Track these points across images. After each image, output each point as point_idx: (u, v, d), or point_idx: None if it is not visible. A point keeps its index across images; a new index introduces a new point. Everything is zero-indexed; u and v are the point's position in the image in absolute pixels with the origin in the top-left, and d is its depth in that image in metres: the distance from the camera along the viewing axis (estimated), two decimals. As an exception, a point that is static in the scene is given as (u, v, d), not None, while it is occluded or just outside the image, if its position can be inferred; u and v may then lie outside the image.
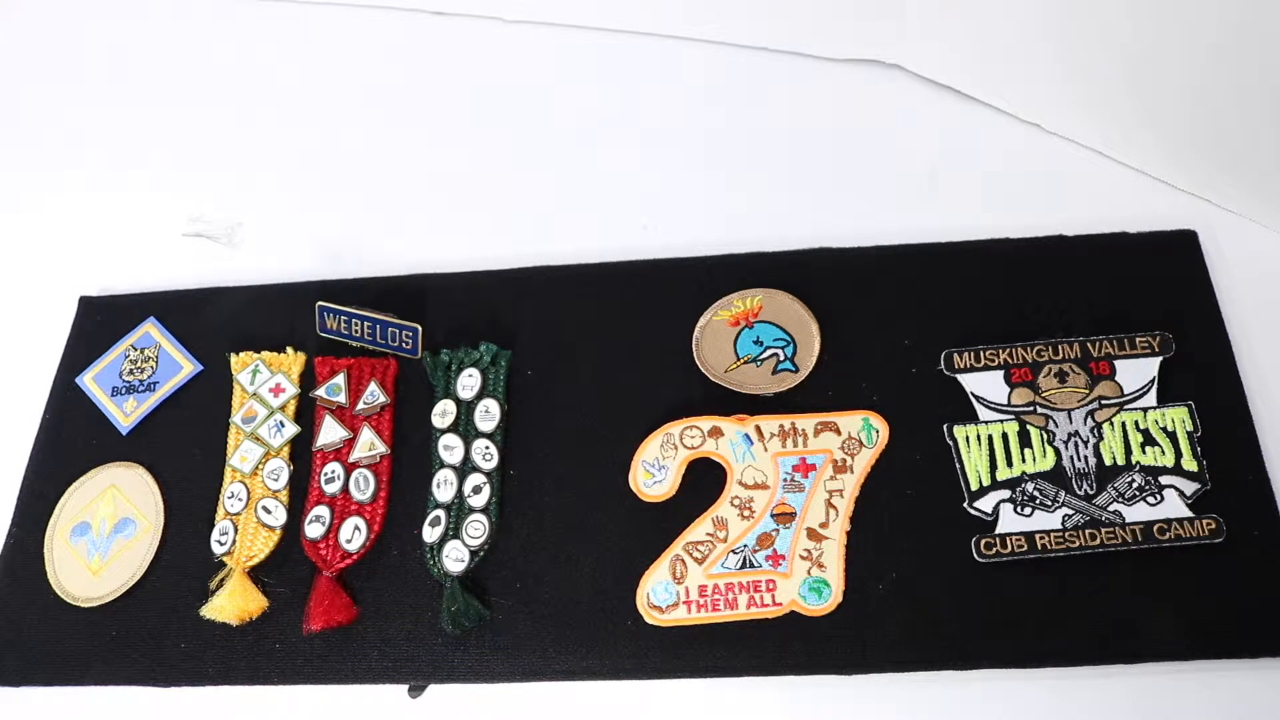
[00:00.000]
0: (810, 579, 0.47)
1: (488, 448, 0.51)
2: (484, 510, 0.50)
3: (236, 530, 0.51)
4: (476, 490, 0.50)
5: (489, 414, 0.52)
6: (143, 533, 0.52)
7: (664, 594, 0.47)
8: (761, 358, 0.52)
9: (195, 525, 0.52)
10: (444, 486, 0.51)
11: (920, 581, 0.47)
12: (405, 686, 0.48)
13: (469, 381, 0.53)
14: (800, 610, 0.46)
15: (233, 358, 0.55)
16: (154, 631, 0.49)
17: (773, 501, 0.49)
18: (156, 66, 0.72)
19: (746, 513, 0.49)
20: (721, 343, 0.53)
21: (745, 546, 0.48)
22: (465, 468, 0.51)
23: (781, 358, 0.52)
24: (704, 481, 0.50)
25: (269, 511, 0.51)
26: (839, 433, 0.50)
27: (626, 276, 0.56)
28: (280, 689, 0.48)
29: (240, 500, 0.51)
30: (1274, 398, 0.50)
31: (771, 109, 0.64)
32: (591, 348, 0.54)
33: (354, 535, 0.50)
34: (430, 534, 0.50)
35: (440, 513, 0.50)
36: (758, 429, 0.50)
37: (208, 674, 0.48)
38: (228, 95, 0.70)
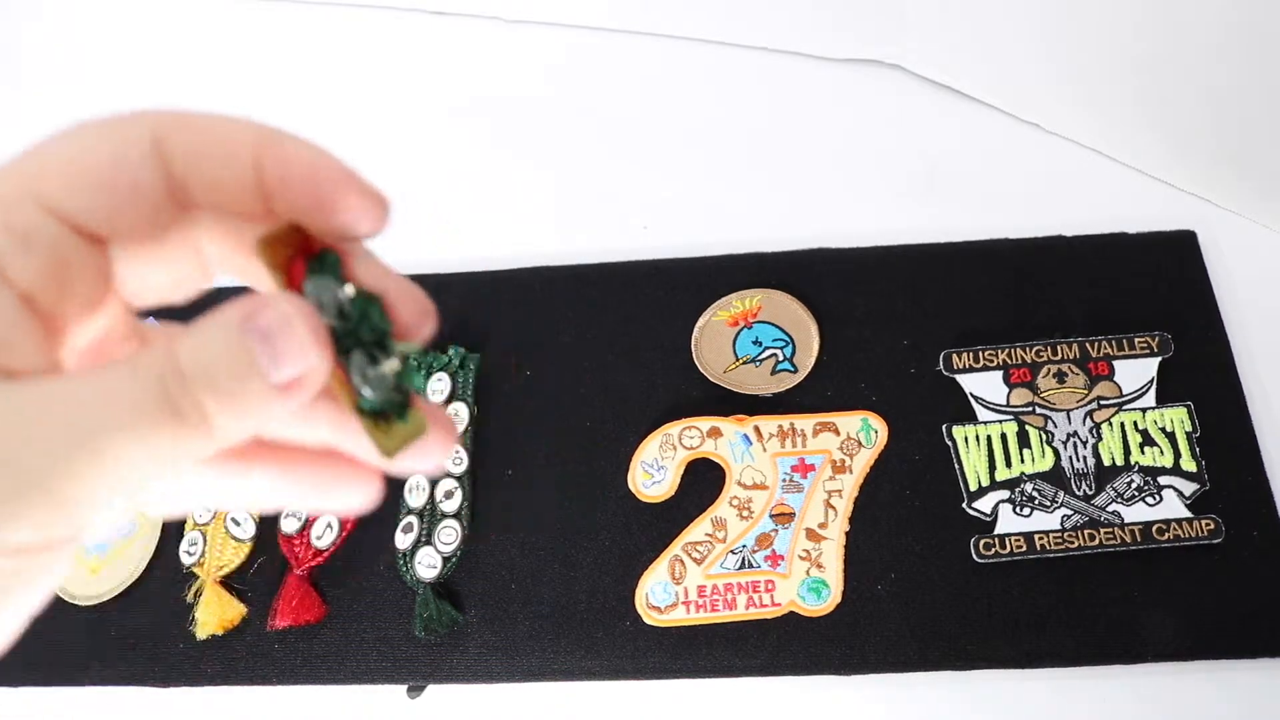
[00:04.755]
0: (809, 579, 0.47)
1: (457, 451, 0.51)
2: (455, 515, 0.50)
3: (205, 541, 0.51)
4: (448, 495, 0.51)
5: (458, 417, 0.52)
6: (142, 532, 0.52)
7: (663, 594, 0.47)
8: (760, 358, 0.52)
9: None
10: (415, 492, 0.51)
11: (919, 582, 0.47)
12: (404, 687, 0.48)
13: (438, 386, 0.53)
14: (799, 611, 0.46)
15: None
16: (153, 631, 0.49)
17: (771, 502, 0.49)
18: (156, 65, 0.72)
19: (745, 513, 0.49)
20: (720, 343, 0.53)
21: (744, 547, 0.48)
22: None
23: (780, 358, 0.52)
24: (703, 482, 0.50)
25: (238, 524, 0.51)
26: (838, 433, 0.50)
27: (626, 277, 0.56)
28: (279, 689, 0.48)
29: (209, 511, 0.51)
30: (1273, 398, 0.50)
31: (771, 109, 0.64)
32: (590, 348, 0.54)
33: (325, 533, 0.50)
34: (403, 540, 0.50)
35: (413, 519, 0.50)
36: (756, 429, 0.50)
37: (207, 674, 0.48)
38: (228, 95, 0.70)
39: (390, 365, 0.20)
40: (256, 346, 0.18)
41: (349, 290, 0.20)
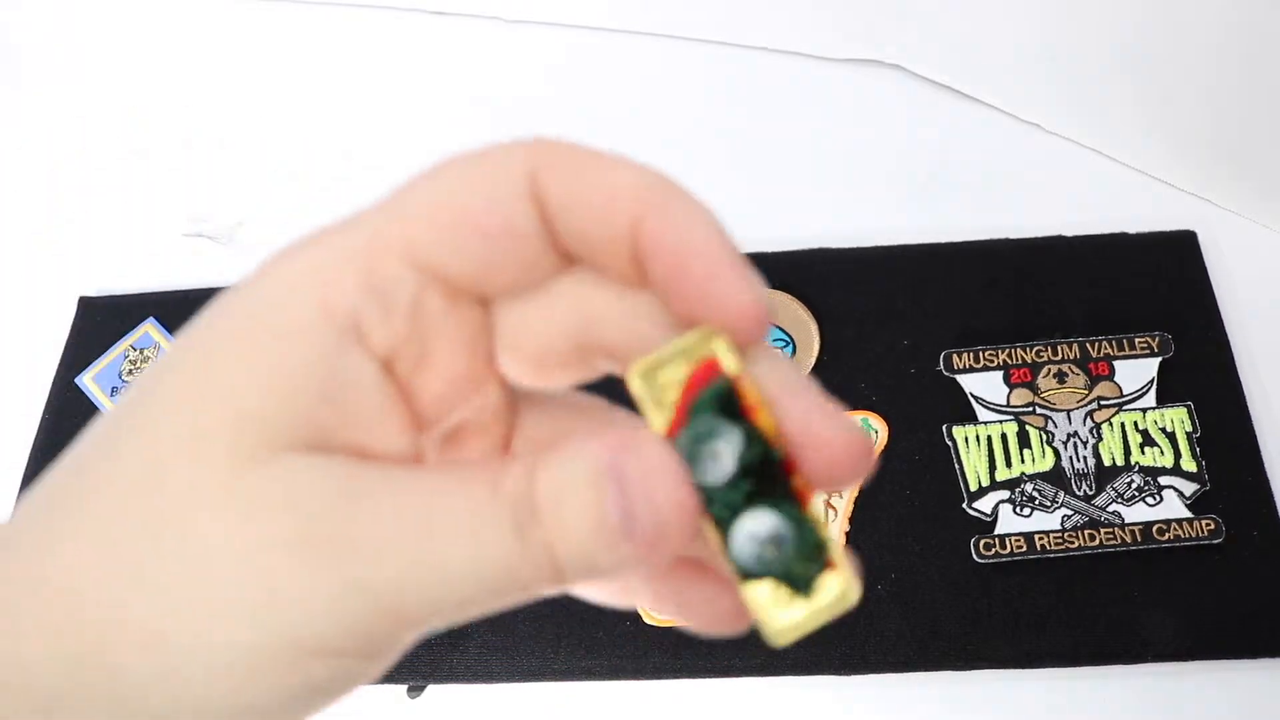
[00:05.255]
0: (809, 579, 0.47)
1: None
2: None
3: None
4: None
5: None
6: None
7: (663, 594, 0.47)
8: (761, 358, 0.52)
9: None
10: None
11: (920, 582, 0.47)
12: (404, 687, 0.48)
13: None
14: (799, 610, 0.46)
15: None
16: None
17: (772, 502, 0.49)
18: (156, 66, 0.72)
19: (745, 513, 0.49)
20: (721, 343, 0.53)
21: (744, 547, 0.48)
22: None
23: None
24: (703, 482, 0.50)
25: None
26: (838, 433, 0.50)
27: (626, 277, 0.56)
28: (279, 689, 0.48)
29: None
30: (1273, 398, 0.50)
31: (770, 109, 0.64)
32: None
33: None
34: None
35: None
36: (757, 429, 0.50)
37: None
38: (227, 95, 0.70)
39: (777, 533, 0.16)
40: (610, 498, 0.15)
41: (736, 435, 0.16)
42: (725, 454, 0.16)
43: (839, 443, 0.16)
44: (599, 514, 0.15)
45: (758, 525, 0.16)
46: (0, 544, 0.17)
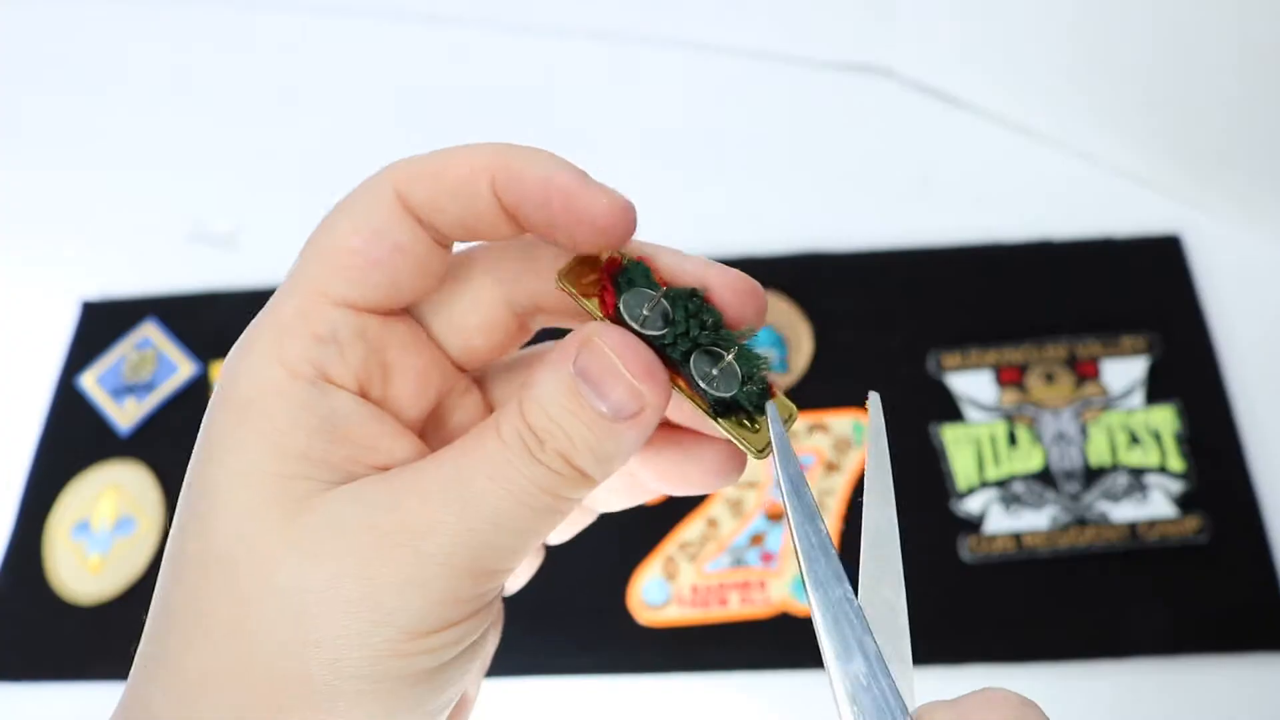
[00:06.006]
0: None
1: None
2: None
3: None
4: None
5: None
6: (143, 531, 0.53)
7: (656, 593, 0.48)
8: (753, 359, 0.53)
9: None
10: None
11: (909, 580, 0.47)
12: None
13: None
14: (791, 609, 0.47)
15: (214, 365, 0.56)
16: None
17: (764, 501, 0.49)
18: (158, 71, 0.72)
19: (738, 512, 0.49)
20: (714, 345, 0.54)
21: (737, 546, 0.49)
22: None
23: (773, 359, 0.53)
24: (696, 481, 0.50)
25: None
26: (829, 433, 0.51)
27: (621, 279, 0.57)
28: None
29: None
30: (1257, 399, 0.51)
31: (762, 113, 0.64)
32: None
33: None
34: None
35: None
36: (750, 430, 0.51)
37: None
38: (229, 100, 0.70)
39: (730, 359, 0.19)
40: (585, 390, 0.18)
41: (665, 294, 0.19)
42: (665, 311, 0.19)
43: (735, 284, 0.20)
44: (589, 413, 0.18)
45: (712, 361, 0.19)
46: (136, 669, 0.20)
